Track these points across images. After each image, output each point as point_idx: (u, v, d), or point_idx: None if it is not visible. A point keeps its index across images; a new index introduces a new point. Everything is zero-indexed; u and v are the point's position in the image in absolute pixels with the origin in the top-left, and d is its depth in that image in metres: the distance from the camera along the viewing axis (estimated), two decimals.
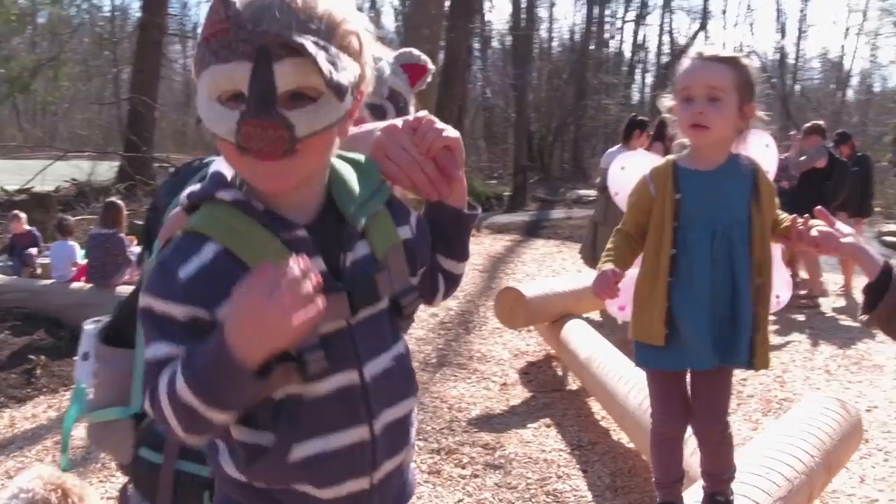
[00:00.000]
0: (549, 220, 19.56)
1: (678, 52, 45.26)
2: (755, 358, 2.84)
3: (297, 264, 1.22)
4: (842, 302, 10.00)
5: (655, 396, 3.10)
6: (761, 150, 3.26)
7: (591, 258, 8.73)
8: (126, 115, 23.11)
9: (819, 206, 2.69)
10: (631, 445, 5.10)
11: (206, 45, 1.29)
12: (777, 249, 3.16)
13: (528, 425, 5.68)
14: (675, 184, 2.83)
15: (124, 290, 8.50)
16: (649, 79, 49.22)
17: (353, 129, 1.55)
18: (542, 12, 39.03)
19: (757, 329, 2.83)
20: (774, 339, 7.92)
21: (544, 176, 32.82)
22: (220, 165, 1.44)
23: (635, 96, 45.39)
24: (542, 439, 5.43)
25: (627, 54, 47.57)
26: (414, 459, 1.63)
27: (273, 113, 1.25)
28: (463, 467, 4.96)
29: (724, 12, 46.97)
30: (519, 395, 6.40)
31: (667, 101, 2.95)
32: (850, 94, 48.63)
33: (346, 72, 1.28)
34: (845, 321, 9.05)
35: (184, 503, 1.87)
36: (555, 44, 44.30)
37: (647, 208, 2.88)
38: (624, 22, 46.10)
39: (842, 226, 2.59)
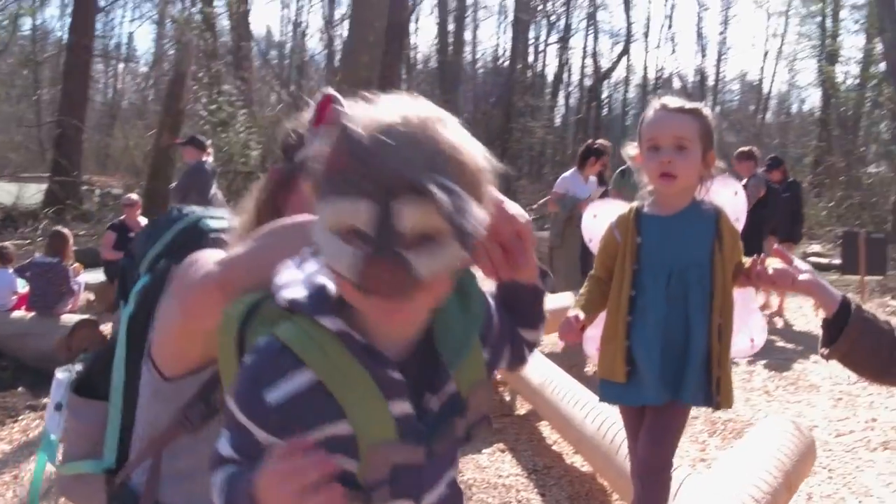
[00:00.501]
0: None
1: (602, 74, 45.98)
2: (719, 396, 2.95)
3: (310, 458, 1.18)
4: (776, 324, 10.28)
5: (628, 432, 3.22)
6: (730, 197, 3.37)
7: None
8: (52, 137, 22.78)
9: (777, 246, 2.86)
10: (586, 469, 5.23)
11: (327, 175, 1.23)
12: (751, 292, 3.31)
13: (483, 451, 5.76)
14: (636, 229, 2.98)
15: (68, 318, 8.47)
16: (573, 101, 49.86)
17: None
18: (467, 35, 39.32)
19: (720, 367, 2.93)
20: None
21: None
22: (319, 276, 1.35)
23: (557, 119, 45.88)
24: (497, 464, 5.54)
25: (551, 77, 48.25)
26: None
27: (395, 255, 1.18)
28: None
29: (646, 35, 47.48)
30: None
31: (630, 150, 3.08)
32: (769, 115, 49.76)
33: (471, 215, 1.20)
34: (779, 343, 9.32)
35: None
36: (479, 66, 44.63)
37: (613, 253, 3.03)
38: (547, 45, 46.69)
39: (799, 262, 2.65)
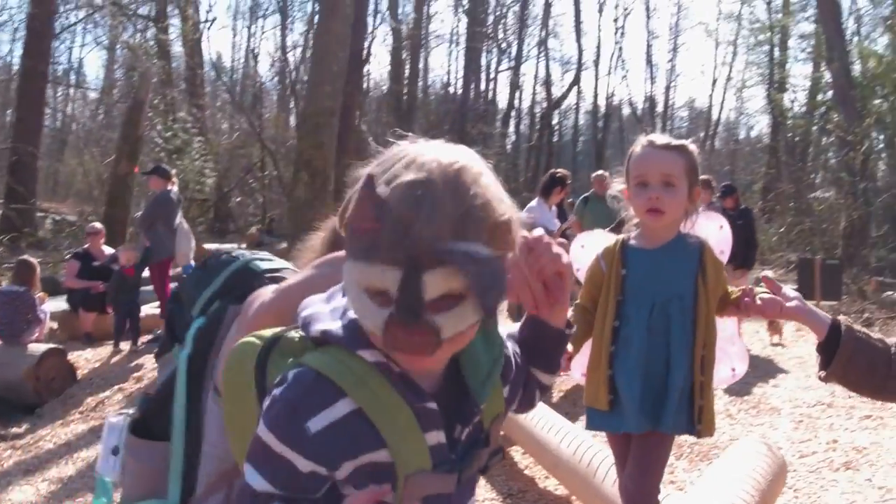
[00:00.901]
0: None
1: (554, 102, 46.39)
2: (700, 424, 3.03)
3: None
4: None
5: (616, 459, 3.30)
6: (715, 231, 3.48)
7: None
8: (7, 163, 22.57)
9: (765, 274, 2.92)
10: (560, 492, 5.35)
11: (354, 235, 1.27)
12: (733, 323, 3.42)
13: None
14: (622, 261, 3.07)
15: (35, 347, 8.47)
16: (524, 128, 50.26)
17: None
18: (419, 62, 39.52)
19: (702, 397, 3.01)
20: None
21: None
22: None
23: (509, 145, 46.15)
24: None
25: (502, 104, 48.68)
26: None
27: (421, 321, 1.23)
28: None
29: (596, 63, 48.02)
30: None
31: (616, 186, 3.19)
32: (718, 142, 50.40)
33: (496, 277, 1.26)
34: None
35: None
36: (430, 93, 44.77)
37: (599, 283, 3.12)
38: (498, 72, 47.15)
39: (788, 290, 2.70)
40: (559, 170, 10.06)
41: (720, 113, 50.64)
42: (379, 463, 1.34)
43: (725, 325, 3.31)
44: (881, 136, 24.18)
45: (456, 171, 1.30)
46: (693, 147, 3.10)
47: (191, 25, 28.17)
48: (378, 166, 1.32)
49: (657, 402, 2.96)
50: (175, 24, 28.77)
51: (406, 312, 1.23)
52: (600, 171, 10.62)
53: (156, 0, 28.00)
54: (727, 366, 3.44)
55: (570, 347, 2.97)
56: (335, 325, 1.38)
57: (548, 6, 46.94)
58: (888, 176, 22.49)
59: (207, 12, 38.03)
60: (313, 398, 1.33)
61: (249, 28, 46.96)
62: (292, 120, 36.34)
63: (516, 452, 6.20)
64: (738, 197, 11.59)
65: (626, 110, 52.25)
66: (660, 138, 3.05)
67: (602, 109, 49.37)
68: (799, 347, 10.04)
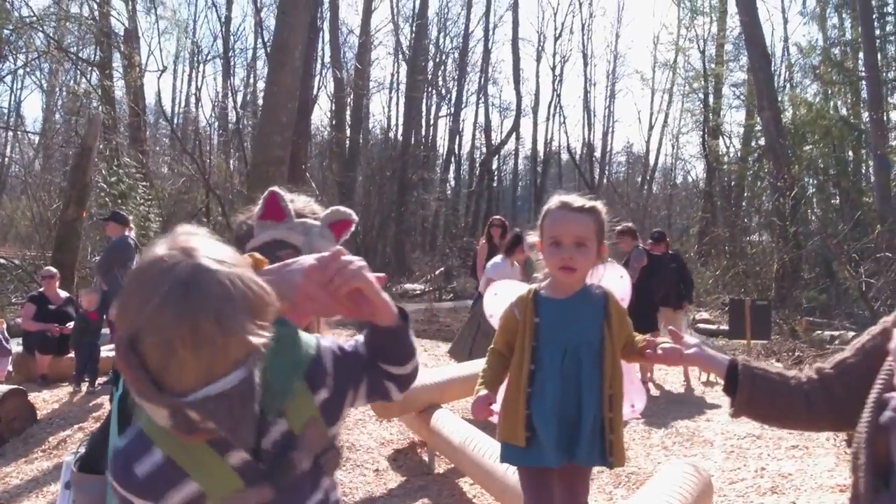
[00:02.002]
0: None
1: (494, 148, 46.85)
2: (612, 457, 3.27)
3: None
4: (673, 387, 11.05)
5: (526, 490, 3.49)
6: (616, 280, 3.85)
7: (466, 354, 9.56)
8: None
9: (671, 327, 3.11)
10: None
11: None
12: (633, 366, 3.76)
13: None
14: (534, 310, 3.33)
15: None
16: (464, 173, 50.69)
17: (273, 267, 1.80)
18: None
19: (612, 432, 3.26)
20: None
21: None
22: None
23: (448, 190, 46.42)
24: None
25: (442, 149, 49.14)
26: None
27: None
28: None
29: (534, 109, 48.65)
30: (394, 479, 6.95)
31: (531, 238, 3.45)
32: (655, 187, 51.12)
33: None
34: (675, 404, 10.07)
35: None
36: (370, 138, 44.85)
37: (514, 330, 3.37)
38: (437, 118, 47.59)
39: (688, 338, 2.91)
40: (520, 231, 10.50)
41: (657, 158, 51.33)
42: (193, 493, 1.57)
43: (627, 368, 3.59)
44: (813, 182, 25.05)
45: (194, 319, 1.41)
46: (602, 208, 3.35)
47: (135, 72, 28.29)
48: (133, 307, 1.44)
49: (572, 439, 3.20)
50: (118, 69, 28.83)
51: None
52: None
53: (98, 45, 28.06)
54: (627, 403, 3.76)
55: (484, 392, 3.29)
56: None
57: (487, 53, 47.73)
58: (819, 220, 23.21)
59: (148, 57, 37.84)
60: (136, 448, 1.59)
61: (190, 73, 46.89)
62: (232, 164, 36.44)
63: (464, 483, 6.60)
64: (668, 242, 12.18)
65: (564, 156, 52.89)
66: (574, 200, 3.28)
67: (541, 155, 49.95)
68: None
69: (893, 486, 2.07)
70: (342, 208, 2.45)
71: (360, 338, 1.87)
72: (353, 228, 2.42)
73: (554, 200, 3.31)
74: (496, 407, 3.36)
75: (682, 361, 2.93)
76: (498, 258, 9.80)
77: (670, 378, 11.51)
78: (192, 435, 1.47)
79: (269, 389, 1.57)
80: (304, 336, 1.77)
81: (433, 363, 11.75)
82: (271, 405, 1.60)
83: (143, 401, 1.43)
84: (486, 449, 5.92)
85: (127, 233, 10.71)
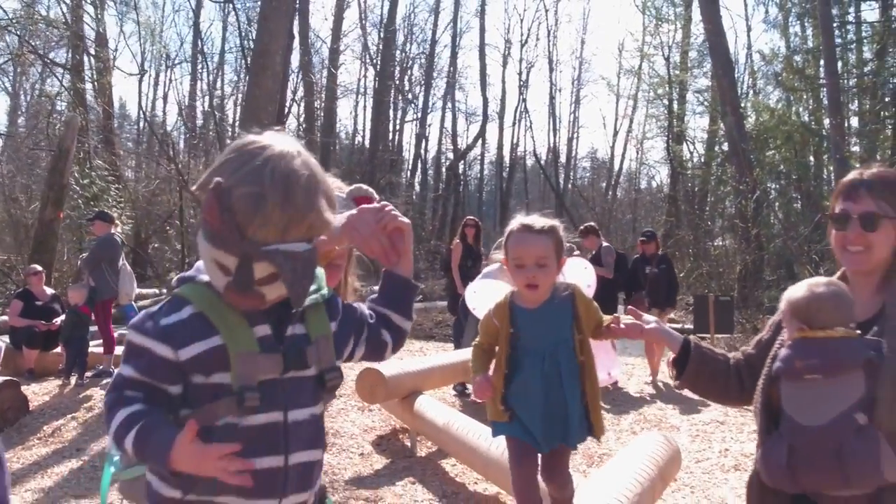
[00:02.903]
0: None
1: (460, 153, 47.02)
2: (594, 430, 3.58)
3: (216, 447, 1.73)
4: (641, 379, 11.55)
5: (513, 459, 3.72)
6: (580, 271, 4.24)
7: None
8: None
9: (631, 307, 3.54)
10: (489, 492, 6.24)
11: (205, 222, 1.76)
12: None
13: (397, 483, 6.65)
14: (510, 320, 3.58)
15: None
16: (431, 176, 50.76)
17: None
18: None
19: (594, 412, 3.54)
20: None
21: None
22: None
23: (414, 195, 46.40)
24: (411, 493, 6.42)
25: (408, 153, 49.28)
26: None
27: (251, 291, 1.77)
28: None
29: (500, 115, 48.76)
30: (379, 461, 7.36)
31: (497, 255, 3.70)
32: (619, 192, 51.52)
33: (301, 273, 1.78)
34: (642, 394, 10.58)
35: None
36: (337, 142, 44.70)
37: (494, 334, 3.64)
38: (404, 123, 47.81)
39: (647, 316, 3.21)
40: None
41: (622, 163, 51.76)
42: (215, 347, 1.82)
43: (603, 340, 3.89)
44: (775, 186, 25.61)
45: (287, 182, 1.73)
46: (559, 226, 3.58)
47: (108, 76, 28.40)
48: (228, 170, 1.75)
49: (563, 430, 3.48)
50: (89, 73, 28.82)
51: (240, 286, 1.76)
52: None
53: (74, 49, 28.06)
54: (603, 371, 4.17)
55: (480, 376, 3.59)
56: (192, 272, 1.96)
57: (454, 58, 47.99)
58: (782, 223, 23.70)
59: (115, 60, 37.52)
60: (166, 308, 1.88)
61: (157, 78, 46.77)
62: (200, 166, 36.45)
63: (446, 464, 7.01)
64: (659, 243, 12.31)
65: (530, 160, 53.17)
66: (534, 223, 3.48)
67: (507, 159, 50.19)
68: None
69: (781, 426, 2.51)
70: (364, 186, 2.81)
71: (365, 304, 2.20)
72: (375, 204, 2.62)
73: (515, 223, 3.53)
74: None
75: (642, 336, 3.23)
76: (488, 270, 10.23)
77: (638, 371, 12.01)
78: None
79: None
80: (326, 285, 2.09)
81: (409, 357, 12.09)
82: (297, 303, 1.87)
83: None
84: (469, 429, 6.38)
85: (113, 230, 11.07)
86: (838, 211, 2.73)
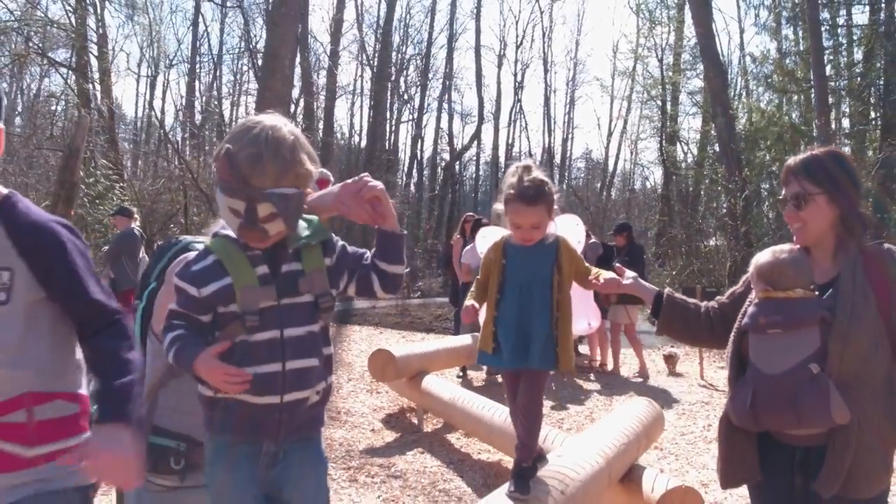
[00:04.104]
0: (356, 310, 20.98)
1: (456, 154, 47.17)
2: (559, 362, 4.01)
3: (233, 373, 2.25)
4: (632, 369, 12.15)
5: (507, 388, 4.34)
6: (572, 227, 4.72)
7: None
8: None
9: (617, 264, 4.00)
10: (492, 459, 6.89)
11: (220, 179, 2.26)
12: (589, 292, 4.57)
13: (407, 453, 7.29)
14: (503, 253, 4.14)
15: None
16: (426, 176, 50.70)
17: (320, 192, 2.58)
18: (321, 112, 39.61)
19: (558, 345, 3.97)
20: (581, 398, 10.02)
21: None
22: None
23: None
24: (421, 460, 7.06)
25: (404, 154, 49.38)
26: (331, 474, 2.37)
27: (256, 227, 2.24)
28: (372, 477, 6.51)
29: (495, 115, 48.58)
30: (389, 435, 7.98)
31: (498, 207, 4.16)
32: (614, 192, 51.56)
33: (294, 207, 2.25)
34: (632, 382, 11.24)
35: (158, 464, 2.72)
36: (334, 141, 44.53)
37: (490, 266, 4.18)
38: (399, 123, 47.63)
39: (628, 272, 3.69)
40: (482, 219, 11.50)
41: (616, 164, 51.66)
42: (226, 285, 2.31)
43: (585, 294, 4.48)
44: (766, 186, 25.96)
45: (277, 143, 2.21)
46: (550, 185, 3.95)
47: (110, 77, 28.72)
48: (234, 139, 2.23)
49: (527, 350, 3.91)
50: (94, 73, 29.06)
51: (248, 222, 2.24)
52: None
53: (74, 48, 28.26)
54: (584, 320, 4.78)
55: (476, 304, 4.12)
56: (218, 227, 2.49)
57: (450, 59, 47.85)
58: (773, 221, 24.05)
59: (113, 61, 37.59)
60: (198, 256, 2.40)
61: (155, 78, 46.95)
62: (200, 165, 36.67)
63: (452, 437, 7.63)
64: (630, 235, 12.43)
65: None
66: (529, 193, 3.87)
67: (502, 160, 49.68)
68: (683, 367, 11.79)
69: (747, 374, 2.98)
70: (324, 170, 3.51)
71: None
72: (330, 186, 3.01)
73: (512, 185, 3.93)
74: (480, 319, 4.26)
75: (620, 289, 3.67)
76: (469, 246, 10.76)
77: (628, 360, 12.49)
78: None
79: (294, 237, 2.37)
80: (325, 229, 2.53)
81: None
82: (294, 243, 2.37)
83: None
84: (473, 402, 6.99)
85: (133, 225, 11.69)
86: (780, 197, 3.23)
